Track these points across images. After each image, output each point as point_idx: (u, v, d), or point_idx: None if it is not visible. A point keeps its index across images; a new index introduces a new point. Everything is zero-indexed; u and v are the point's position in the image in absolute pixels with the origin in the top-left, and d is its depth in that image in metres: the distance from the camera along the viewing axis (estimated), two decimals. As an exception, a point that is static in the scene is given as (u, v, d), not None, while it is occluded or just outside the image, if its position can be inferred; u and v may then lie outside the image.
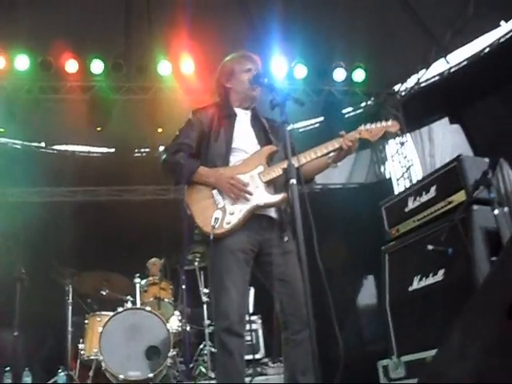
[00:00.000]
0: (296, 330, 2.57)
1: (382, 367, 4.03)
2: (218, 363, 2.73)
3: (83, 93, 7.73)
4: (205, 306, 5.55)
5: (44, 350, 6.50)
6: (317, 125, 9.19)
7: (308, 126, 9.24)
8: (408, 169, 8.68)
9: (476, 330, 1.33)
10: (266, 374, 5.60)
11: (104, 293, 5.37)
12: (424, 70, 8.22)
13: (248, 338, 5.20)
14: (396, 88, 8.83)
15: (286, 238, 2.70)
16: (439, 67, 8.18)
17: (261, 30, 7.62)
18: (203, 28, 7.14)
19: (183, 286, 4.93)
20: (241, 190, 2.68)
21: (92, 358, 4.91)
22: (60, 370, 5.17)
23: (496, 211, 3.19)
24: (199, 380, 5.17)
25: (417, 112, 8.49)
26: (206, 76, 7.20)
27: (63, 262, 5.54)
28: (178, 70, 7.65)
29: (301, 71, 7.90)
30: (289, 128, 2.44)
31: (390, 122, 2.93)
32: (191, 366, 5.36)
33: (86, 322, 5.21)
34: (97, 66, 7.44)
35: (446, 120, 8.23)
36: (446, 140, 8.17)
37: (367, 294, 8.23)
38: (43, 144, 8.94)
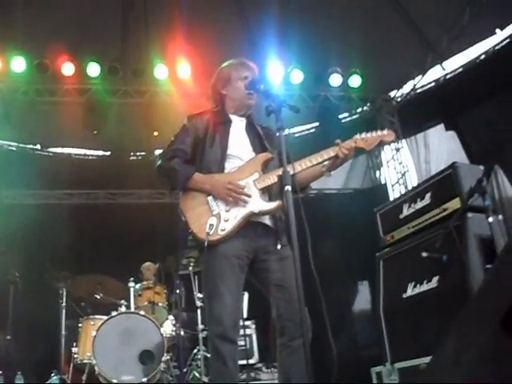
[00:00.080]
0: (293, 335, 2.56)
1: (375, 374, 4.01)
2: (212, 369, 2.72)
3: (79, 96, 7.74)
4: (199, 311, 5.53)
5: (37, 354, 6.45)
6: (313, 130, 9.22)
7: (304, 131, 9.27)
8: (403, 175, 8.70)
9: (471, 338, 1.33)
10: (259, 380, 5.59)
11: (98, 296, 5.36)
12: (420, 77, 8.28)
13: (242, 342, 5.19)
14: (392, 94, 8.87)
15: (279, 246, 2.68)
16: (435, 74, 8.24)
17: (257, 33, 7.63)
18: (200, 32, 7.15)
19: (177, 291, 4.92)
20: (239, 193, 2.67)
21: (85, 361, 4.87)
22: (53, 374, 5.13)
23: (490, 219, 3.18)
24: (193, 385, 5.17)
25: (412, 118, 8.51)
26: (202, 80, 7.22)
27: (57, 265, 5.54)
28: (175, 74, 7.65)
29: (297, 76, 7.92)
30: (284, 133, 2.44)
31: (385, 132, 2.92)
32: (185, 370, 5.35)
33: (80, 325, 5.17)
34: (93, 69, 7.45)
35: (441, 126, 8.26)
36: (442, 146, 8.20)
37: (362, 299, 8.23)
38: (39, 146, 8.93)
